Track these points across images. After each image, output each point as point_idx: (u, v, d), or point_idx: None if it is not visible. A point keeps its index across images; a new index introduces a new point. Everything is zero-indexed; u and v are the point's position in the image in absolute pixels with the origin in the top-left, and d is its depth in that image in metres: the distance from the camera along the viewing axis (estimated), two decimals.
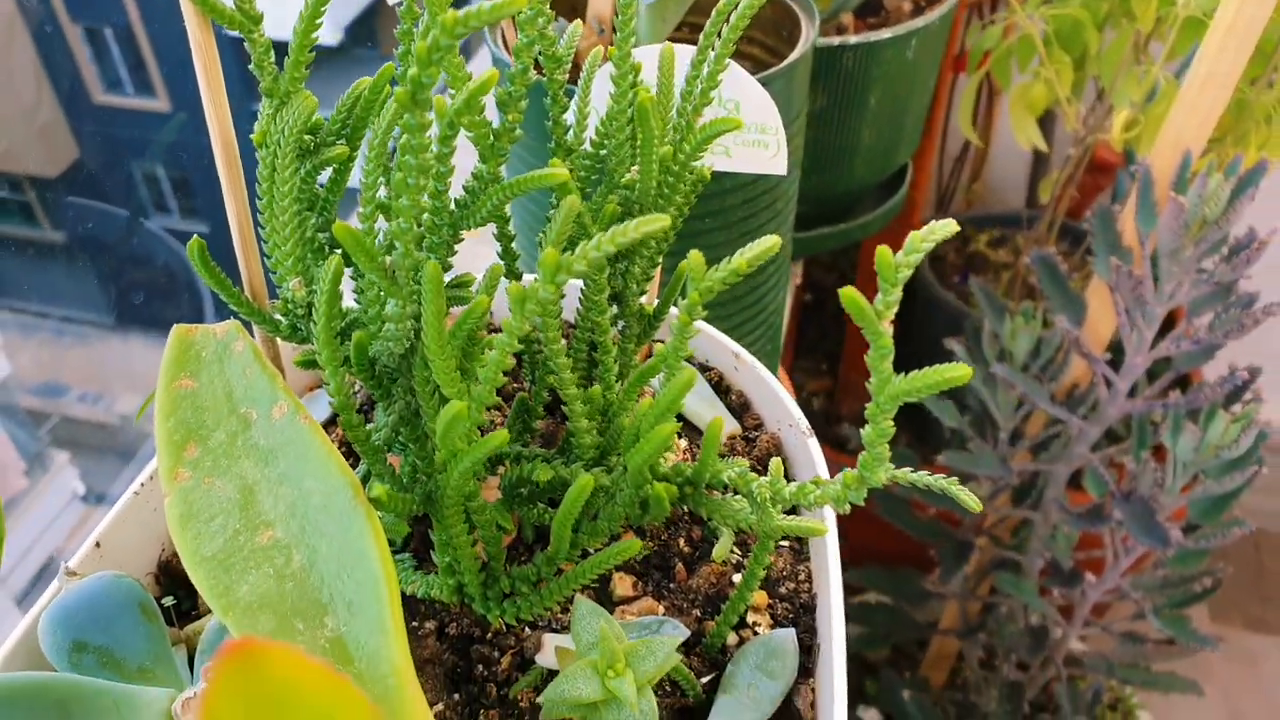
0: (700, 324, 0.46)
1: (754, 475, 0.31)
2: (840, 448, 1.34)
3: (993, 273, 1.29)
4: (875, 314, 0.24)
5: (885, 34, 0.72)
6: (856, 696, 1.25)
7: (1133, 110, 0.93)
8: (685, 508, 0.41)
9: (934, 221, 0.25)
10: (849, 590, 1.12)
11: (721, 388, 0.46)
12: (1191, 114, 0.71)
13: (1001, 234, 1.35)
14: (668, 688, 0.36)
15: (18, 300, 1.17)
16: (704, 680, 0.36)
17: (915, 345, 1.27)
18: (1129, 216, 0.77)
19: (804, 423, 0.41)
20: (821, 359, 1.52)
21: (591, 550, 0.33)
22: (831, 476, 0.31)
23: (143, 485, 0.41)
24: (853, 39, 0.72)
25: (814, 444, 0.40)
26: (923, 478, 0.31)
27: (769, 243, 0.28)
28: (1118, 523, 0.81)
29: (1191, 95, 0.70)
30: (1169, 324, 0.86)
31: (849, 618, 1.16)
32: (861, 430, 0.27)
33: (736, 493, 0.32)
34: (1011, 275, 1.24)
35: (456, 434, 0.26)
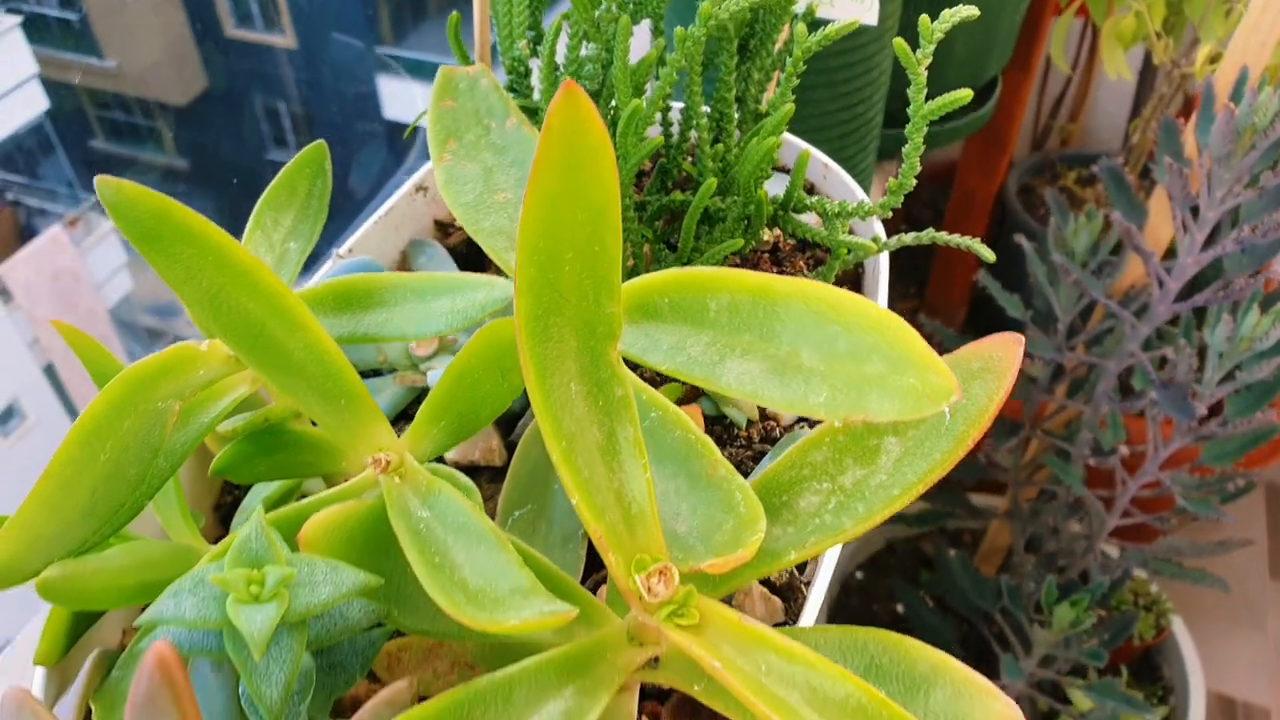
0: (800, 142, 0.59)
1: (826, 199, 0.44)
2: None
3: (1077, 207, 1.37)
4: (915, 61, 0.37)
5: None
6: (914, 586, 1.37)
7: (1217, 45, 1.02)
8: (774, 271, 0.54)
9: (957, 7, 0.38)
10: None
11: (813, 194, 0.59)
12: (1254, 34, 0.81)
13: (1091, 174, 1.43)
14: None
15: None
16: None
17: (1002, 266, 1.36)
18: (1192, 130, 0.87)
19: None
20: (911, 283, 1.62)
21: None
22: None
23: (378, 220, 0.56)
24: None
25: (878, 225, 0.53)
26: (952, 238, 0.44)
27: (848, 24, 0.41)
28: (1152, 402, 0.92)
29: (1254, 16, 0.80)
30: None
31: None
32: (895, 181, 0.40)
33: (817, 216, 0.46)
34: (1107, 219, 1.33)
35: (631, 131, 0.40)
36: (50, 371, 1.15)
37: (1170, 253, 0.94)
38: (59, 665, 0.37)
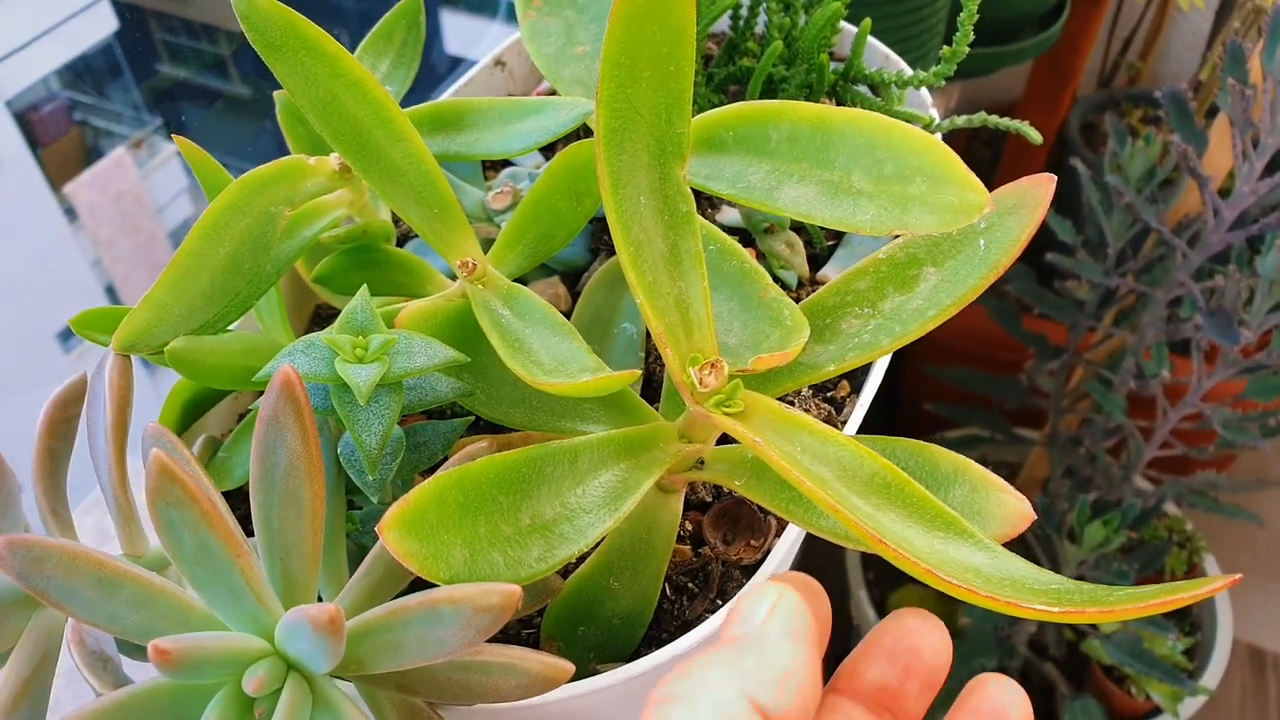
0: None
1: (883, 70, 0.46)
2: None
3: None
4: None
5: None
6: None
7: None
8: None
9: None
10: (949, 392, 1.27)
11: None
12: None
13: (1156, 115, 1.42)
14: (804, 238, 0.52)
15: (203, 148, 1.32)
16: (829, 243, 0.53)
17: (1062, 200, 1.37)
18: (1259, 55, 0.87)
19: (928, 99, 0.56)
20: None
21: None
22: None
23: (457, 90, 0.59)
24: None
25: (934, 110, 0.55)
26: (1002, 120, 0.46)
27: None
28: (1197, 328, 0.93)
29: None
30: None
31: (950, 423, 1.30)
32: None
33: (873, 91, 0.48)
34: (1165, 145, 1.33)
35: None
36: (111, 292, 1.19)
37: (1228, 191, 0.95)
38: None
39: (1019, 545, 1.18)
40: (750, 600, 0.24)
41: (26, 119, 1.16)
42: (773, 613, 0.23)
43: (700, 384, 0.33)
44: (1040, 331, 1.13)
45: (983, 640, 1.10)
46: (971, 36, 0.42)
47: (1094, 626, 1.18)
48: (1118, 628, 1.11)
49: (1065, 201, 1.31)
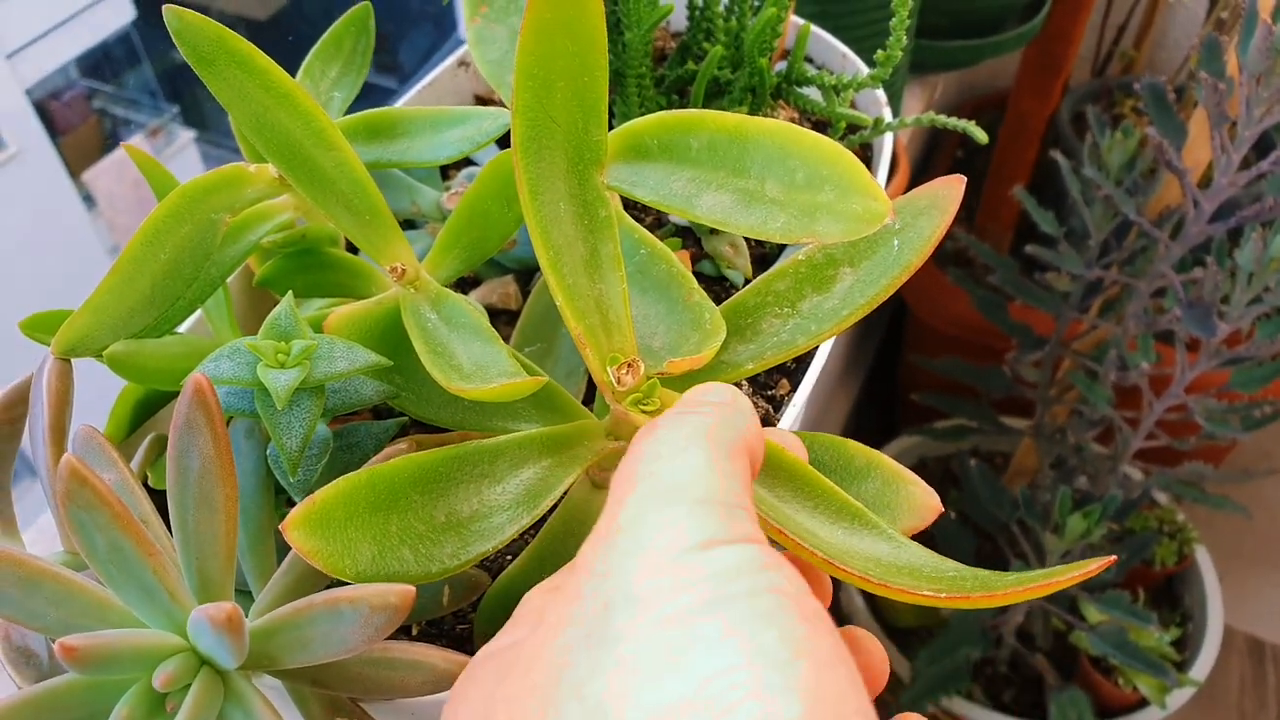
0: (818, 30, 0.62)
1: (827, 72, 0.47)
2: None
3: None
4: None
5: None
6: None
7: None
8: None
9: None
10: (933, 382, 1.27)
11: None
12: None
13: None
14: (753, 244, 0.53)
15: (218, 135, 1.30)
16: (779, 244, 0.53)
17: (1051, 190, 1.37)
18: (1235, 48, 0.87)
19: (883, 98, 0.57)
20: (963, 209, 1.63)
21: None
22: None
23: (420, 91, 0.60)
24: None
25: (887, 111, 0.56)
26: (950, 120, 0.47)
27: None
28: (1177, 319, 0.93)
29: None
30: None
31: (937, 413, 1.30)
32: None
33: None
34: (1144, 137, 1.32)
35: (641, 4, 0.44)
36: None
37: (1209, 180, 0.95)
38: (122, 445, 0.43)
39: (1005, 537, 1.19)
40: (702, 388, 0.29)
41: (46, 107, 1.16)
42: (735, 395, 0.28)
43: (619, 383, 0.33)
44: (1026, 322, 1.13)
45: (967, 630, 1.11)
46: (904, 41, 0.43)
47: (1081, 617, 1.19)
48: (1104, 618, 1.11)
49: (1050, 193, 1.31)
